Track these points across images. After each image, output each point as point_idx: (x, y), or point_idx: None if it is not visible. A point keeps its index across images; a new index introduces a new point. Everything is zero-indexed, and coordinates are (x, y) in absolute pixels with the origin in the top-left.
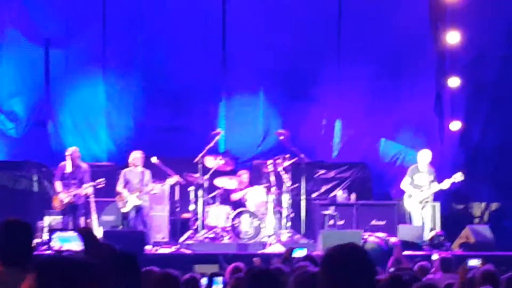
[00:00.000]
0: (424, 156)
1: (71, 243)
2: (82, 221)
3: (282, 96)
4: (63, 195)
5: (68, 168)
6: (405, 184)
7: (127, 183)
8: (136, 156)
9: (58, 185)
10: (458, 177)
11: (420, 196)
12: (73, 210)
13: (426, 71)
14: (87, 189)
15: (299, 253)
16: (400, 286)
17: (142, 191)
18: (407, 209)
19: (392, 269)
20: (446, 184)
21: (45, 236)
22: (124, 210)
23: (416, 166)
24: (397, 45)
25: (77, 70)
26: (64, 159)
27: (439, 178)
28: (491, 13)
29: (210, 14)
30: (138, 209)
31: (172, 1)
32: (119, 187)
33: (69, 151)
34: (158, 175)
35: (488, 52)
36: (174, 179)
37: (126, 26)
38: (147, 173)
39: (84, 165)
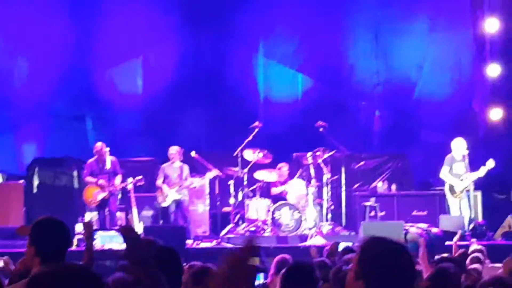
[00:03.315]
0: (459, 144)
1: (112, 242)
2: (121, 216)
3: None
4: (95, 191)
5: (97, 164)
6: (444, 174)
7: (166, 178)
8: (174, 150)
9: (90, 181)
10: (491, 164)
11: (461, 185)
12: (107, 204)
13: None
14: (123, 182)
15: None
16: (446, 280)
17: (181, 185)
18: (448, 199)
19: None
20: (482, 171)
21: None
22: (164, 204)
23: (452, 155)
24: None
25: None
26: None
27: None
28: None
29: None
30: (178, 203)
31: None
32: (159, 182)
33: (96, 147)
34: (198, 169)
35: None
36: (213, 173)
37: None
38: (186, 168)
39: (112, 158)
